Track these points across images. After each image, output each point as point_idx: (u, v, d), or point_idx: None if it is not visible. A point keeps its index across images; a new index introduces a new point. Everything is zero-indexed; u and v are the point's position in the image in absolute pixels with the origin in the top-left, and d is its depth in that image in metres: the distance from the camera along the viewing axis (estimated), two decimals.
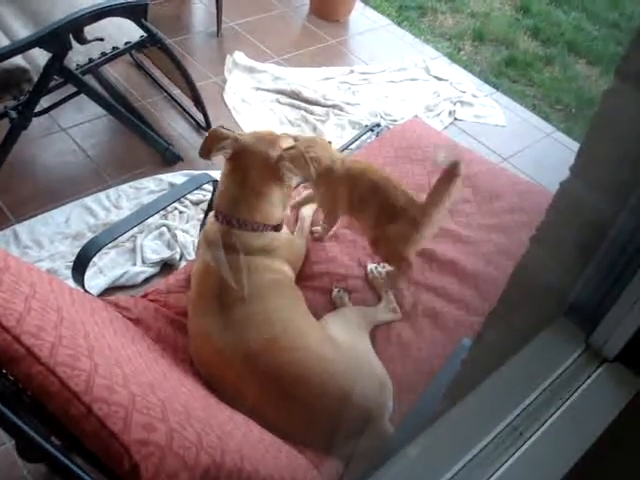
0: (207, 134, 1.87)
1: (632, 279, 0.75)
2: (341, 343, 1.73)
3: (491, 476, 0.67)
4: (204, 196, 2.86)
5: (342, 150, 2.66)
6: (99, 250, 1.81)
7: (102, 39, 2.61)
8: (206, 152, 1.84)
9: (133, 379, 1.14)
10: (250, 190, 1.82)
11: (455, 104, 3.87)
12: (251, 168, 1.82)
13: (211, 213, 1.89)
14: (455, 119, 3.79)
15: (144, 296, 1.91)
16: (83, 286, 1.81)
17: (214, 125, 3.31)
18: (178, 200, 2.27)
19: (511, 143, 3.67)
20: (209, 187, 2.16)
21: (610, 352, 0.82)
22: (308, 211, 2.20)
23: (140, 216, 1.93)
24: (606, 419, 0.76)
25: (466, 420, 0.73)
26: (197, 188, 2.08)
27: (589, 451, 0.72)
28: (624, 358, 0.82)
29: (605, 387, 0.80)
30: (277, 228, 1.89)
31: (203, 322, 1.72)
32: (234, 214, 1.80)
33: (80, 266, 1.79)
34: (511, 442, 0.70)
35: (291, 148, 1.84)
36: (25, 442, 1.01)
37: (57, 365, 1.01)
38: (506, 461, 0.69)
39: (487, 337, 0.85)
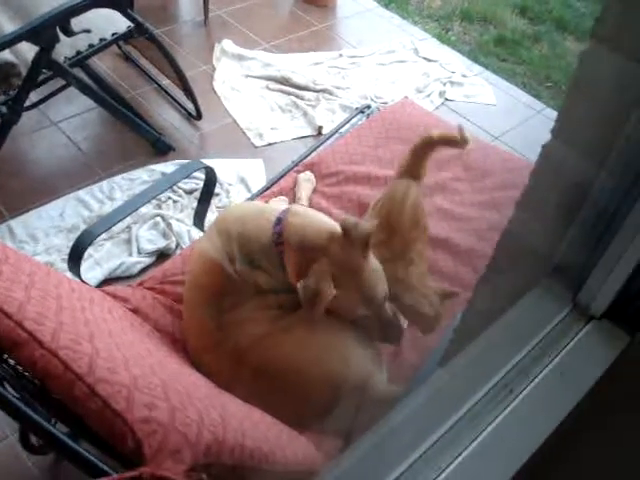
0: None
1: (614, 237, 0.76)
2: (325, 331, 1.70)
3: (482, 432, 0.69)
4: (197, 184, 2.87)
5: (333, 133, 2.67)
6: (94, 240, 1.82)
7: (89, 31, 2.61)
8: None
9: (134, 362, 1.15)
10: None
11: (445, 84, 3.88)
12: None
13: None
14: (445, 99, 3.80)
15: (140, 284, 1.93)
16: (79, 276, 1.82)
17: (205, 114, 3.34)
18: (170, 188, 2.28)
19: (502, 121, 3.68)
20: (201, 175, 2.18)
21: (597, 309, 0.84)
22: (306, 180, 2.23)
23: (133, 205, 1.93)
24: (594, 375, 0.78)
25: (456, 379, 0.74)
26: (189, 175, 2.09)
27: (577, 407, 0.74)
28: (611, 315, 0.84)
29: (593, 344, 0.82)
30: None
31: (195, 314, 1.70)
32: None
33: (76, 256, 1.81)
34: (501, 399, 0.72)
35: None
36: (31, 428, 1.02)
37: (59, 349, 1.03)
38: (496, 417, 0.71)
39: (477, 304, 0.87)
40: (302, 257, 1.60)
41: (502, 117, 3.73)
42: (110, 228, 1.92)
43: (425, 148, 2.02)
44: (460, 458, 0.67)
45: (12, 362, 1.11)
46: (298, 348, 1.65)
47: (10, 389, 1.09)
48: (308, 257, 1.58)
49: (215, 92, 3.60)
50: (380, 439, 0.68)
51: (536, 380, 0.75)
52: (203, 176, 2.13)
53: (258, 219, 1.69)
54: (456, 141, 2.00)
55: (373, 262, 1.63)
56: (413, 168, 2.02)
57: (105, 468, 0.94)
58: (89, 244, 1.83)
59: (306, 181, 2.24)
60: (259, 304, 1.66)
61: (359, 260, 1.58)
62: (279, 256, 1.62)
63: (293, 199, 2.20)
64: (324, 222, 1.67)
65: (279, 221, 1.64)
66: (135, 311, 1.75)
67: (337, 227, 1.62)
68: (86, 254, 2.54)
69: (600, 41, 0.66)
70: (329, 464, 1.35)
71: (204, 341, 1.68)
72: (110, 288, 1.84)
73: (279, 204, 1.95)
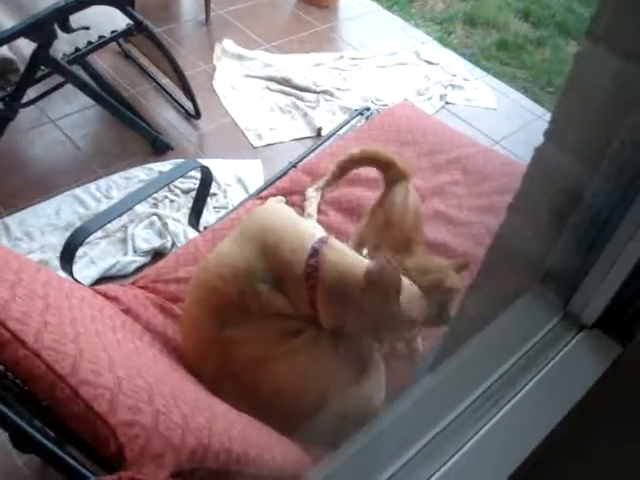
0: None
1: (607, 244, 0.74)
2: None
3: (464, 445, 0.67)
4: (194, 184, 2.85)
5: (332, 135, 2.66)
6: (86, 237, 1.80)
7: (88, 28, 2.60)
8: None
9: (120, 363, 1.13)
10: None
11: (446, 88, 3.86)
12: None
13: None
14: (446, 103, 3.78)
15: (133, 283, 1.91)
16: (71, 274, 1.80)
17: (204, 114, 3.33)
18: (166, 187, 2.26)
19: (502, 126, 3.66)
20: (198, 174, 2.16)
21: (589, 318, 0.82)
22: (314, 195, 2.20)
23: (128, 203, 1.92)
24: (584, 386, 0.76)
25: (439, 388, 0.72)
26: (184, 174, 2.07)
27: (565, 419, 0.72)
28: (603, 324, 0.82)
29: (583, 354, 0.80)
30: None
31: (199, 317, 1.62)
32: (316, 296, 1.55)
33: (68, 254, 1.79)
34: (486, 410, 0.70)
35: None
36: (13, 430, 1.00)
37: (43, 349, 1.01)
38: (480, 429, 0.69)
39: (467, 310, 0.85)
40: (337, 298, 1.53)
41: (503, 121, 3.71)
42: (104, 226, 1.90)
43: (348, 165, 2.06)
44: (443, 469, 0.65)
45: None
46: (300, 376, 1.59)
47: None
48: (343, 300, 1.52)
49: (215, 92, 3.59)
50: (363, 446, 0.66)
51: (523, 391, 0.73)
52: (199, 174, 2.11)
53: (293, 241, 1.58)
54: (380, 162, 2.00)
55: (409, 293, 1.55)
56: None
57: (83, 471, 0.92)
58: (82, 242, 1.81)
59: (314, 197, 2.21)
60: (268, 326, 1.57)
61: (393, 304, 1.50)
62: (308, 290, 1.53)
63: (302, 211, 2.16)
64: (361, 263, 1.56)
65: (315, 252, 1.54)
66: (126, 311, 1.72)
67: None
68: (81, 252, 2.55)
69: (595, 41, 0.64)
70: (314, 469, 1.33)
71: (200, 347, 1.62)
72: (102, 287, 1.82)
73: (310, 225, 1.78)
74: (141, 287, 1.90)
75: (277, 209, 1.90)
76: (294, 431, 1.49)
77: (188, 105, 3.37)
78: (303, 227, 1.65)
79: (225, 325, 1.55)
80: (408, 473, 0.64)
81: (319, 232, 1.68)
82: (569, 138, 0.70)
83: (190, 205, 2.30)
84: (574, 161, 0.71)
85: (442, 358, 0.77)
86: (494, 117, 3.75)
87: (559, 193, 0.74)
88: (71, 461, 0.93)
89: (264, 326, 1.57)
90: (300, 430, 1.50)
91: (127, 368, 1.12)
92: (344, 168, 2.07)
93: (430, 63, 4.07)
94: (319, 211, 2.17)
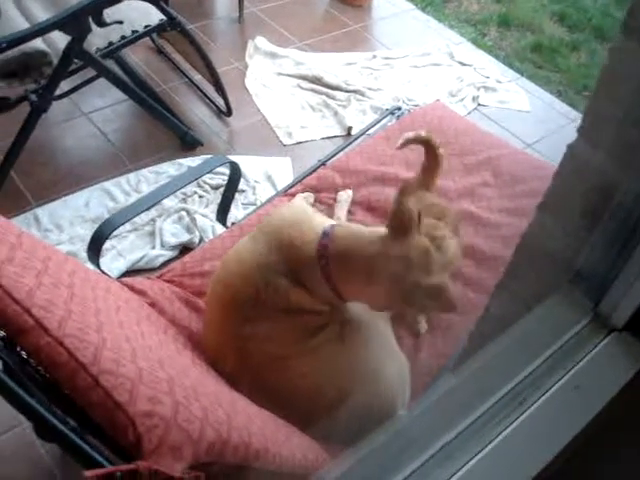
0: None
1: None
2: (359, 344, 1.64)
3: (489, 442, 0.65)
4: (223, 180, 2.86)
5: (362, 134, 2.64)
6: (114, 230, 1.81)
7: (122, 22, 2.61)
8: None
9: (142, 355, 1.13)
10: (369, 284, 1.51)
11: (479, 89, 3.83)
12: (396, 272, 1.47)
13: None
14: (479, 104, 3.75)
15: (160, 276, 1.91)
16: (98, 265, 1.81)
17: (235, 111, 3.33)
18: (194, 182, 2.26)
19: (535, 129, 3.62)
20: (228, 171, 2.16)
21: (618, 321, 0.80)
22: (344, 196, 2.19)
23: (156, 197, 1.92)
24: (612, 390, 0.74)
25: (466, 385, 0.71)
26: (212, 169, 2.07)
27: (592, 422, 0.70)
28: (633, 327, 0.80)
29: (612, 357, 0.77)
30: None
31: (220, 314, 1.62)
32: (333, 275, 1.52)
33: (95, 246, 1.79)
34: (511, 410, 0.68)
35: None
36: (32, 417, 1.00)
37: (65, 337, 1.01)
38: (506, 428, 0.67)
39: (493, 310, 0.83)
40: (351, 266, 1.50)
41: (536, 125, 3.67)
42: (131, 219, 1.90)
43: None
44: (464, 469, 0.64)
45: (18, 348, 1.09)
46: (321, 374, 1.58)
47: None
48: (358, 266, 1.49)
49: (246, 89, 3.59)
50: (378, 447, 0.65)
51: (550, 392, 0.71)
52: (228, 170, 2.11)
53: (304, 229, 1.57)
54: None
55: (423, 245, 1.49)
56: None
57: (100, 460, 0.92)
58: (109, 234, 1.81)
59: (345, 201, 2.19)
60: (289, 323, 1.56)
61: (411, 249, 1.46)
62: (322, 269, 1.51)
63: (331, 210, 2.15)
64: (372, 230, 1.56)
65: (325, 234, 1.53)
66: (152, 304, 1.73)
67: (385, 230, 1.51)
68: (110, 245, 2.57)
69: (630, 36, 0.62)
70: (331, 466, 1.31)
71: (221, 343, 1.61)
72: (128, 280, 1.82)
73: (326, 220, 1.71)
74: (167, 281, 1.90)
75: (294, 206, 1.89)
76: (314, 428, 1.48)
77: (219, 102, 3.38)
78: (318, 221, 1.63)
79: (245, 321, 1.54)
80: (429, 472, 0.63)
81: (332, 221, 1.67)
82: (602, 134, 0.68)
83: (219, 201, 2.30)
84: (607, 158, 0.68)
85: (467, 357, 0.75)
86: (527, 120, 3.71)
87: (591, 191, 0.72)
88: (89, 449, 0.93)
89: (285, 322, 1.55)
90: (320, 427, 1.49)
91: (149, 360, 1.12)
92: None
93: (463, 64, 4.03)
94: (348, 211, 2.17)
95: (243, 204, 2.87)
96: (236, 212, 2.73)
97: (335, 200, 2.19)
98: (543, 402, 0.70)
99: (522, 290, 0.82)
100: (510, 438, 0.66)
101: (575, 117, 3.74)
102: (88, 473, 0.86)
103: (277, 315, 1.54)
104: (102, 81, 2.88)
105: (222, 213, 2.18)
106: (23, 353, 1.08)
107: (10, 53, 2.45)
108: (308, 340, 1.58)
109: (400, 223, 1.47)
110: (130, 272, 2.55)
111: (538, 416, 0.69)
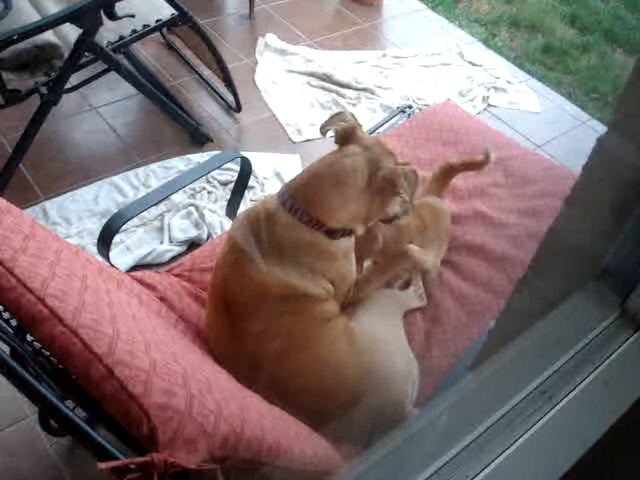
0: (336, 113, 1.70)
1: None
2: (368, 337, 1.64)
3: (516, 440, 0.64)
4: (232, 177, 2.85)
5: (372, 132, 2.63)
6: (124, 223, 1.80)
7: (133, 16, 2.60)
8: (324, 125, 1.67)
9: (156, 347, 1.12)
10: (338, 189, 1.55)
11: (489, 90, 3.81)
12: (355, 166, 1.56)
13: (267, 194, 1.78)
14: (489, 105, 3.73)
15: (169, 271, 1.91)
16: (108, 259, 1.80)
17: (245, 107, 3.32)
18: (204, 176, 2.25)
19: (545, 130, 3.60)
20: (236, 167, 2.14)
21: None
22: None
23: (166, 191, 1.91)
24: None
25: (489, 382, 0.69)
26: (223, 164, 2.06)
27: (621, 419, 0.69)
28: None
29: None
30: (331, 234, 1.57)
31: (214, 320, 1.63)
32: (298, 195, 1.55)
33: (105, 239, 1.79)
34: (539, 406, 0.67)
35: (406, 164, 1.63)
36: (45, 408, 0.99)
37: (80, 327, 1.00)
38: (533, 425, 0.66)
39: (515, 305, 0.82)
40: (312, 185, 1.57)
41: (546, 126, 3.66)
42: (141, 212, 1.89)
43: (446, 175, 2.12)
44: (490, 467, 0.62)
45: (30, 338, 1.09)
46: (331, 370, 1.58)
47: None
48: (316, 181, 1.57)
49: (256, 85, 3.59)
50: (404, 442, 0.63)
51: (578, 388, 0.70)
52: (238, 168, 2.10)
53: (275, 207, 1.58)
54: (477, 164, 2.09)
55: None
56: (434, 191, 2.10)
57: (115, 452, 0.91)
58: (119, 227, 1.80)
59: None
60: (295, 315, 1.56)
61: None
62: (291, 212, 1.53)
63: None
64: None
65: (281, 191, 1.60)
66: (162, 299, 1.72)
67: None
68: (118, 239, 2.56)
69: None
70: (348, 465, 1.30)
71: (222, 346, 1.61)
72: (138, 273, 1.82)
73: None
74: (176, 275, 1.89)
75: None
76: (322, 424, 1.47)
77: (229, 98, 3.37)
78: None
79: (244, 316, 1.54)
80: (454, 469, 0.62)
81: None
82: (635, 127, 0.66)
83: (227, 197, 2.29)
84: (638, 151, 0.67)
85: (489, 353, 0.74)
86: (537, 121, 3.69)
87: (621, 185, 0.71)
88: (102, 441, 0.91)
89: (291, 314, 1.56)
90: (329, 423, 1.49)
91: (163, 352, 1.11)
92: (442, 179, 2.13)
93: (473, 64, 4.02)
94: None
95: (252, 200, 2.86)
96: (244, 208, 2.71)
97: None
98: (572, 398, 0.69)
99: (546, 285, 0.80)
100: (539, 435, 0.65)
101: (585, 119, 3.73)
102: (102, 465, 0.86)
103: (283, 306, 1.54)
104: (112, 75, 2.87)
105: (232, 209, 2.17)
106: (35, 343, 1.08)
107: (21, 45, 2.44)
108: (316, 333, 1.58)
109: (344, 133, 1.62)
110: (138, 267, 2.54)
111: (567, 412, 0.67)
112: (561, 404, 0.68)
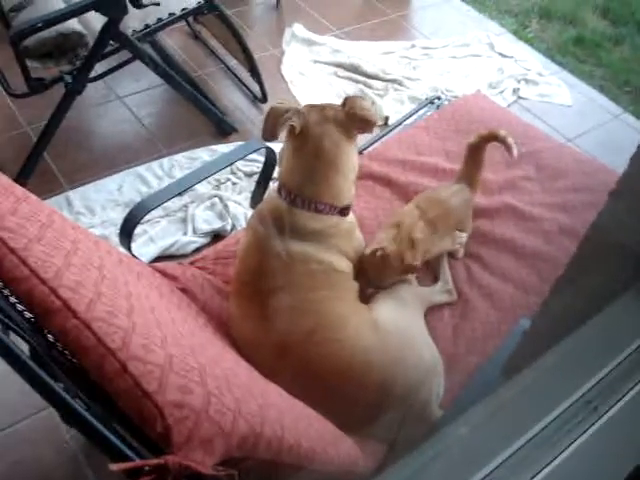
0: (267, 114, 1.66)
1: None
2: (391, 326, 1.62)
3: (558, 455, 0.59)
4: (257, 168, 2.81)
5: (400, 122, 2.58)
6: (147, 213, 1.76)
7: (158, 4, 2.57)
8: (270, 131, 1.64)
9: (173, 342, 1.08)
10: (321, 162, 1.62)
11: (519, 82, 3.74)
12: (321, 135, 1.62)
13: (272, 187, 1.80)
14: (519, 97, 3.66)
15: (192, 263, 1.87)
16: (129, 249, 1.77)
17: (271, 98, 3.27)
18: (229, 166, 2.21)
19: (577, 123, 3.52)
20: (261, 158, 2.11)
21: None
22: None
23: (189, 181, 1.87)
24: None
25: (527, 393, 0.64)
26: (248, 154, 2.02)
27: None
28: None
29: None
30: (344, 212, 1.69)
31: (242, 304, 1.63)
32: (301, 192, 1.62)
33: (127, 229, 1.75)
34: (583, 417, 0.62)
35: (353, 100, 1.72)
36: (57, 404, 0.96)
37: (93, 320, 0.96)
38: (576, 439, 0.60)
39: (554, 305, 0.76)
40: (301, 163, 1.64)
41: (577, 119, 3.57)
42: (164, 203, 1.85)
43: (474, 158, 2.03)
44: None
45: (45, 331, 1.05)
46: (353, 348, 1.54)
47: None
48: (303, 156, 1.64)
49: (282, 76, 3.54)
50: (436, 453, 0.58)
51: (626, 398, 0.64)
52: (262, 158, 2.06)
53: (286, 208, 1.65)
54: (496, 136, 2.00)
55: None
56: (468, 172, 2.03)
57: (128, 452, 0.87)
58: (141, 217, 1.77)
59: None
60: (320, 284, 1.60)
61: None
62: (315, 210, 1.62)
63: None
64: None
65: (285, 194, 1.65)
66: (184, 290, 1.69)
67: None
68: (141, 230, 2.54)
69: None
70: (373, 469, 1.26)
71: (246, 329, 1.60)
72: (160, 265, 1.79)
73: None
74: (199, 267, 1.86)
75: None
76: (351, 419, 1.44)
77: (255, 88, 3.33)
78: None
79: (268, 294, 1.56)
80: None
81: None
82: None
83: (252, 188, 2.26)
84: None
85: (524, 359, 0.69)
86: (568, 114, 3.61)
87: None
88: (115, 440, 0.88)
89: (319, 287, 1.60)
90: (358, 418, 1.45)
91: (180, 347, 1.07)
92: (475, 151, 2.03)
93: (504, 56, 3.94)
94: (385, 197, 2.12)
95: None
96: None
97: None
98: (619, 409, 0.63)
99: (588, 284, 0.75)
100: (583, 449, 0.59)
101: (618, 113, 3.64)
102: (114, 467, 0.82)
103: (314, 280, 1.59)
104: (137, 65, 2.85)
105: (256, 200, 2.13)
106: (50, 336, 1.04)
107: (46, 33, 2.43)
108: (345, 312, 1.60)
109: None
110: (161, 258, 2.52)
111: (614, 424, 0.62)
112: (607, 415, 0.62)
